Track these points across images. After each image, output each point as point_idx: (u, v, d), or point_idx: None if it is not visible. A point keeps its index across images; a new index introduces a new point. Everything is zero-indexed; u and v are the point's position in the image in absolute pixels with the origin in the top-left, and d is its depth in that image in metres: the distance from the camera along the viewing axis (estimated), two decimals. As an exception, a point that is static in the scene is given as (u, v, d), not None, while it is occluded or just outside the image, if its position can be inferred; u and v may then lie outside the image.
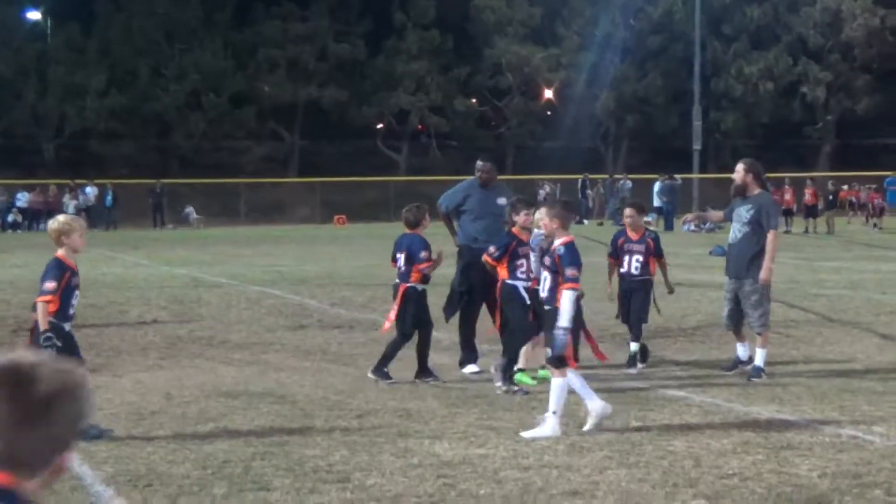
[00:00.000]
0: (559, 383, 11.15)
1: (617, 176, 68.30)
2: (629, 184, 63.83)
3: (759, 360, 14.36)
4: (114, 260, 36.34)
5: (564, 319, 11.10)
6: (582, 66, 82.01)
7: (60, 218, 11.31)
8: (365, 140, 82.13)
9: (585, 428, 11.06)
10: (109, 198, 63.64)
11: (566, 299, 11.15)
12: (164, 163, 74.88)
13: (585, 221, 62.75)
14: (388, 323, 14.27)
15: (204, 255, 38.72)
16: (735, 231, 14.86)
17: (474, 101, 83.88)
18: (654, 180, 57.91)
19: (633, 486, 9.01)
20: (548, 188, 70.34)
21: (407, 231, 14.52)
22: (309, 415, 11.87)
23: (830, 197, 54.64)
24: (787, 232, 51.31)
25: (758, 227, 14.46)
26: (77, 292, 11.07)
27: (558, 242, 11.52)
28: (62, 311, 10.86)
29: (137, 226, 62.50)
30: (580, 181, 67.78)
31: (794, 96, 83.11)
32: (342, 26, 79.55)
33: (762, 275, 14.44)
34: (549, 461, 9.81)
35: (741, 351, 14.78)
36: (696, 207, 59.81)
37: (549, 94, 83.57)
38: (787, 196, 55.69)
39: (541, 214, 11.89)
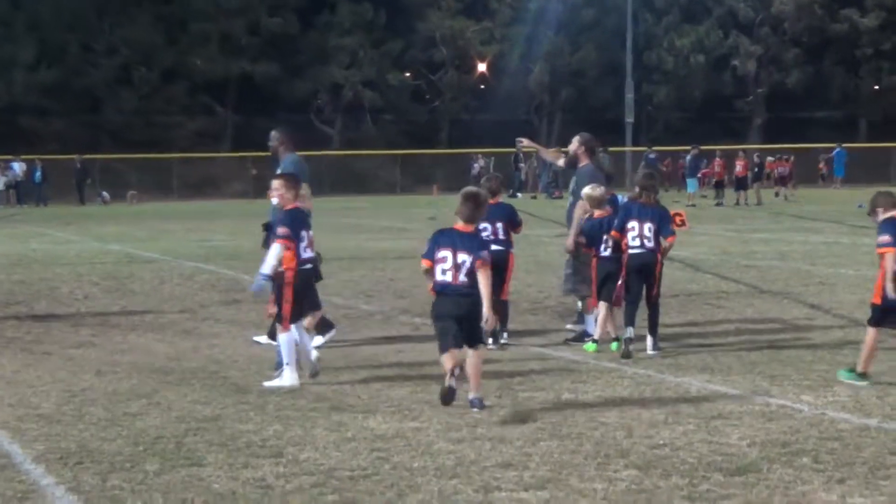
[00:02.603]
0: (285, 338, 12.10)
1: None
2: (562, 157, 63.94)
3: (588, 326, 14.82)
4: (44, 236, 36.08)
5: (266, 267, 12.21)
6: (515, 39, 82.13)
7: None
8: (298, 114, 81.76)
9: (266, 384, 12.06)
10: (38, 174, 63.01)
11: (272, 252, 12.23)
12: (94, 138, 74.21)
13: (519, 195, 62.94)
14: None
15: (137, 230, 38.50)
16: (569, 201, 15.57)
17: (408, 74, 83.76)
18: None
19: (566, 458, 9.07)
20: (482, 161, 70.48)
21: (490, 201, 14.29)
22: (242, 390, 11.84)
23: (756, 169, 55.15)
24: (718, 204, 51.71)
25: (579, 197, 14.90)
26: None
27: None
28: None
29: (69, 202, 62.02)
30: (513, 154, 67.93)
31: (725, 69, 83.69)
32: (274, 0, 79.06)
33: (567, 241, 15.09)
34: (481, 434, 9.85)
35: (590, 322, 15.05)
36: (629, 180, 60.15)
37: (482, 67, 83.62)
38: (718, 168, 56.14)
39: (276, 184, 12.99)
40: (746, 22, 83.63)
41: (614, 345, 14.18)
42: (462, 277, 10.82)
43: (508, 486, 8.32)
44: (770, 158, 63.70)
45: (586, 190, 14.96)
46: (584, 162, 15.35)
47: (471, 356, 10.84)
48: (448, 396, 10.72)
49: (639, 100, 75.99)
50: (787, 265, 23.94)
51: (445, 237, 11.02)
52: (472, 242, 10.95)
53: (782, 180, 58.97)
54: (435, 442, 9.60)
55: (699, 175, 58.80)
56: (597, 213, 14.71)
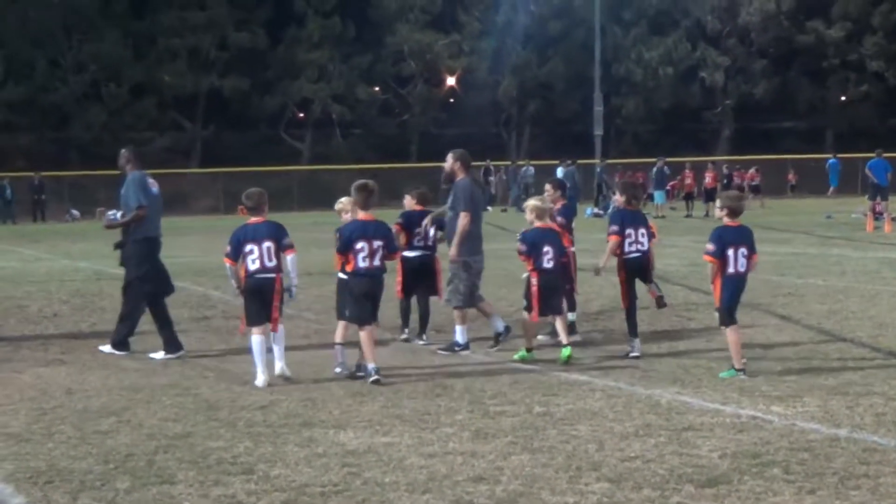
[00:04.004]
0: (254, 339, 13.33)
1: (520, 162, 68.53)
2: (532, 170, 64.11)
3: (456, 336, 15.28)
4: (13, 254, 35.90)
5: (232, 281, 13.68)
6: (483, 52, 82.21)
7: (343, 199, 14.58)
8: (268, 129, 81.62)
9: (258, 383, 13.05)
10: (8, 191, 62.57)
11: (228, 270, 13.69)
12: (62, 155, 73.89)
13: (489, 208, 62.95)
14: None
15: (106, 247, 38.06)
16: (448, 215, 15.94)
17: (377, 88, 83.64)
18: (556, 166, 58.17)
19: (538, 471, 9.08)
20: (451, 175, 70.37)
21: (419, 208, 16.35)
22: (213, 406, 11.82)
23: (726, 181, 55.41)
24: (688, 216, 51.86)
25: (458, 211, 15.46)
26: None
27: None
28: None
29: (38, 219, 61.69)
30: (483, 168, 67.97)
31: (694, 81, 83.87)
32: (242, 14, 78.84)
33: (451, 252, 15.41)
34: (453, 448, 9.86)
35: (496, 323, 15.62)
36: (597, 192, 60.30)
37: (451, 81, 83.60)
38: (688, 180, 56.31)
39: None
40: (714, 34, 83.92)
41: (567, 350, 14.35)
42: (376, 262, 13.21)
43: (480, 501, 8.32)
44: (752, 170, 64.43)
45: (533, 201, 15.48)
46: (460, 176, 15.80)
47: (368, 330, 13.16)
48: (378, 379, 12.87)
49: (607, 112, 76.08)
50: (755, 276, 23.81)
51: (358, 231, 13.22)
52: (379, 229, 13.34)
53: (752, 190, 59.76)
54: (407, 457, 9.60)
55: (668, 187, 59.05)
56: (538, 223, 15.02)
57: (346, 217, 14.27)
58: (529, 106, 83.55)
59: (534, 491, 8.55)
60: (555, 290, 14.71)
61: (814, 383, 12.48)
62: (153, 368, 14.45)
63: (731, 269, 13.11)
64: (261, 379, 13.04)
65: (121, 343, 15.86)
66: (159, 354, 15.44)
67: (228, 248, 13.44)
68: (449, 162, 16.03)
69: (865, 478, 8.77)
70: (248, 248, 13.35)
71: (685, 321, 17.89)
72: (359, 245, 13.12)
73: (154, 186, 16.09)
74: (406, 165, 75.06)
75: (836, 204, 55.28)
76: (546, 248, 14.71)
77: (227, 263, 13.55)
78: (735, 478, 8.78)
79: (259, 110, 79.45)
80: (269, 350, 13.39)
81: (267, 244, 13.37)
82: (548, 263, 14.69)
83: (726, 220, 13.36)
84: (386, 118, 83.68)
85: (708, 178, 54.01)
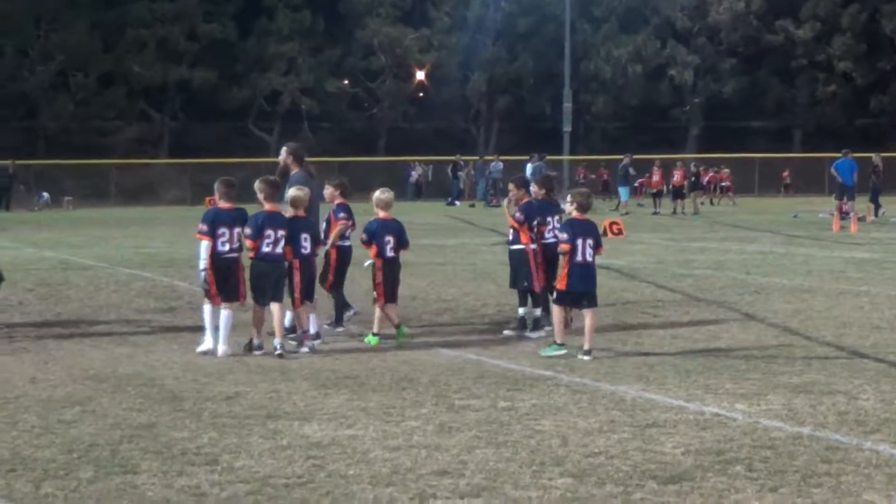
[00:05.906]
0: (206, 307, 14.66)
1: (488, 158, 68.56)
2: (500, 165, 64.15)
3: (312, 326, 15.75)
4: (-22, 242, 35.67)
5: (200, 262, 14.64)
6: (453, 47, 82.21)
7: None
8: (236, 121, 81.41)
9: (199, 349, 14.62)
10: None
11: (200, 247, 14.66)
12: (30, 144, 73.54)
13: (457, 203, 62.96)
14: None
15: (73, 237, 38.19)
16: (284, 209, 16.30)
17: (346, 82, 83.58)
18: (525, 161, 58.22)
19: (501, 465, 9.10)
20: (420, 169, 70.54)
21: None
22: (178, 397, 11.79)
23: (693, 178, 55.55)
24: (655, 213, 51.98)
25: None
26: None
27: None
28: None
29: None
30: (451, 163, 67.99)
31: (663, 79, 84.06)
32: (211, 6, 78.71)
33: None
34: (417, 441, 9.87)
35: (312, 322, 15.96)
36: (566, 189, 60.44)
37: (420, 75, 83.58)
38: (656, 178, 56.43)
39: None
40: (683, 32, 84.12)
41: (402, 330, 15.46)
42: (279, 249, 14.50)
43: (444, 494, 8.33)
44: (726, 170, 64.93)
45: (377, 193, 16.19)
46: (294, 170, 16.41)
47: (277, 309, 14.39)
48: (260, 348, 14.38)
49: (576, 109, 76.16)
50: (722, 274, 24.11)
51: (267, 220, 14.50)
52: (281, 220, 14.65)
53: (716, 189, 60.17)
54: (371, 450, 9.60)
55: (636, 184, 59.13)
56: (382, 214, 15.82)
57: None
58: (499, 101, 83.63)
59: (497, 485, 8.57)
60: (397, 278, 15.66)
61: (777, 381, 12.54)
62: (117, 358, 14.40)
63: (578, 258, 14.33)
64: (209, 341, 14.55)
65: None
66: None
67: (205, 227, 14.49)
68: (283, 156, 16.74)
69: (827, 476, 8.82)
70: (220, 230, 14.51)
71: (650, 318, 17.92)
72: (266, 232, 14.38)
73: None
74: (374, 159, 75.08)
75: (802, 203, 55.51)
76: (388, 238, 15.55)
77: (204, 240, 14.53)
78: (698, 475, 8.82)
79: (228, 102, 79.23)
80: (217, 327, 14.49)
81: (238, 229, 14.61)
82: (390, 252, 15.53)
83: (575, 214, 14.60)
84: (355, 112, 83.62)
85: (676, 176, 54.15)
